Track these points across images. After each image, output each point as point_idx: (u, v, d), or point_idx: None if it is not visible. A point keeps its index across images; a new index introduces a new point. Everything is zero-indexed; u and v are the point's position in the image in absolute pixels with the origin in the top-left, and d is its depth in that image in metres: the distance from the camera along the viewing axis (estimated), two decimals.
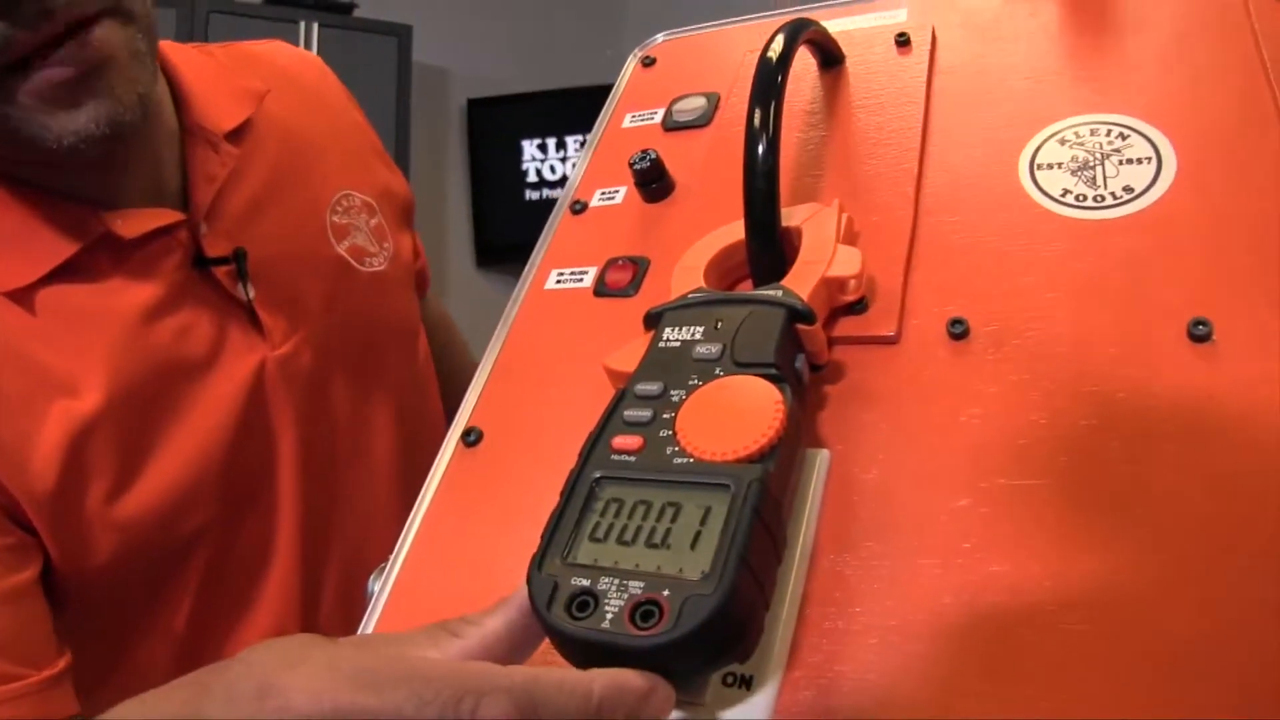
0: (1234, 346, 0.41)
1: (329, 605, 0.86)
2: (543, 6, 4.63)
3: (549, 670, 0.34)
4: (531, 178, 4.09)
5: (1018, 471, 0.40)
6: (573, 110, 4.07)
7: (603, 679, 0.34)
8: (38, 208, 0.71)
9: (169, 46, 0.82)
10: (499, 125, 4.20)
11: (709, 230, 0.53)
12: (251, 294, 0.78)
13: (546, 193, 4.09)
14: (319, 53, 3.69)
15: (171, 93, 0.80)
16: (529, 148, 4.10)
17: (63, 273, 0.70)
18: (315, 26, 3.54)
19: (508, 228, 4.10)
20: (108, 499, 0.71)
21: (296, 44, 3.62)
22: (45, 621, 0.68)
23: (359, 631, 0.49)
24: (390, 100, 3.66)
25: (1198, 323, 0.42)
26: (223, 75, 0.86)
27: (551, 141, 4.07)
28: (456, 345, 1.12)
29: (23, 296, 0.69)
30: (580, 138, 4.01)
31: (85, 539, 0.71)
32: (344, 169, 0.92)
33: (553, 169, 4.08)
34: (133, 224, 0.72)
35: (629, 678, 0.35)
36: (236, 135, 0.82)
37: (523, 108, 4.17)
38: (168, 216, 0.74)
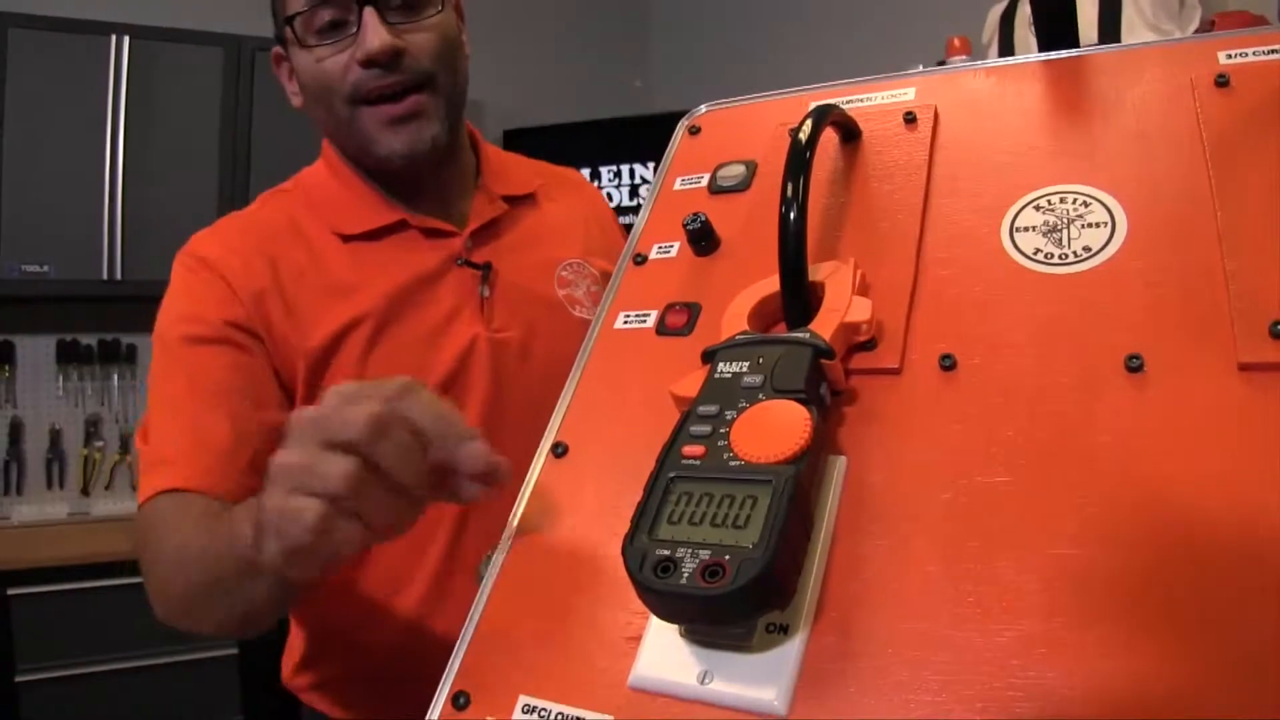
0: (1161, 374, 0.53)
1: (470, 543, 1.13)
2: (573, 41, 4.75)
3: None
4: None
5: (990, 472, 0.52)
6: (604, 140, 4.15)
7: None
8: (371, 193, 1.20)
9: (490, 145, 1.35)
10: (535, 155, 4.31)
11: (751, 282, 0.65)
12: (487, 293, 1.18)
13: None
14: None
15: (478, 164, 1.29)
16: None
17: (373, 235, 1.17)
18: None
19: None
20: (355, 374, 1.09)
21: None
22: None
23: (470, 612, 0.61)
24: None
25: (1132, 357, 0.54)
26: (519, 166, 1.36)
27: (586, 171, 4.16)
28: None
29: (347, 240, 1.17)
30: (614, 167, 4.12)
31: None
32: (584, 246, 1.31)
33: None
34: (425, 221, 1.19)
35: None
36: (513, 200, 1.27)
37: (556, 138, 4.25)
38: (445, 226, 1.20)
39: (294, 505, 0.59)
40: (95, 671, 3.13)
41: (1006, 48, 2.62)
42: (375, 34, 1.08)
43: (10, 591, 3.05)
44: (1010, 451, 0.53)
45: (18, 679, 3.06)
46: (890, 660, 0.48)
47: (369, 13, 1.09)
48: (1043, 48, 0.77)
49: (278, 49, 1.21)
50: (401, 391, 0.61)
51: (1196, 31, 2.26)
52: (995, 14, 2.68)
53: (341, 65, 1.11)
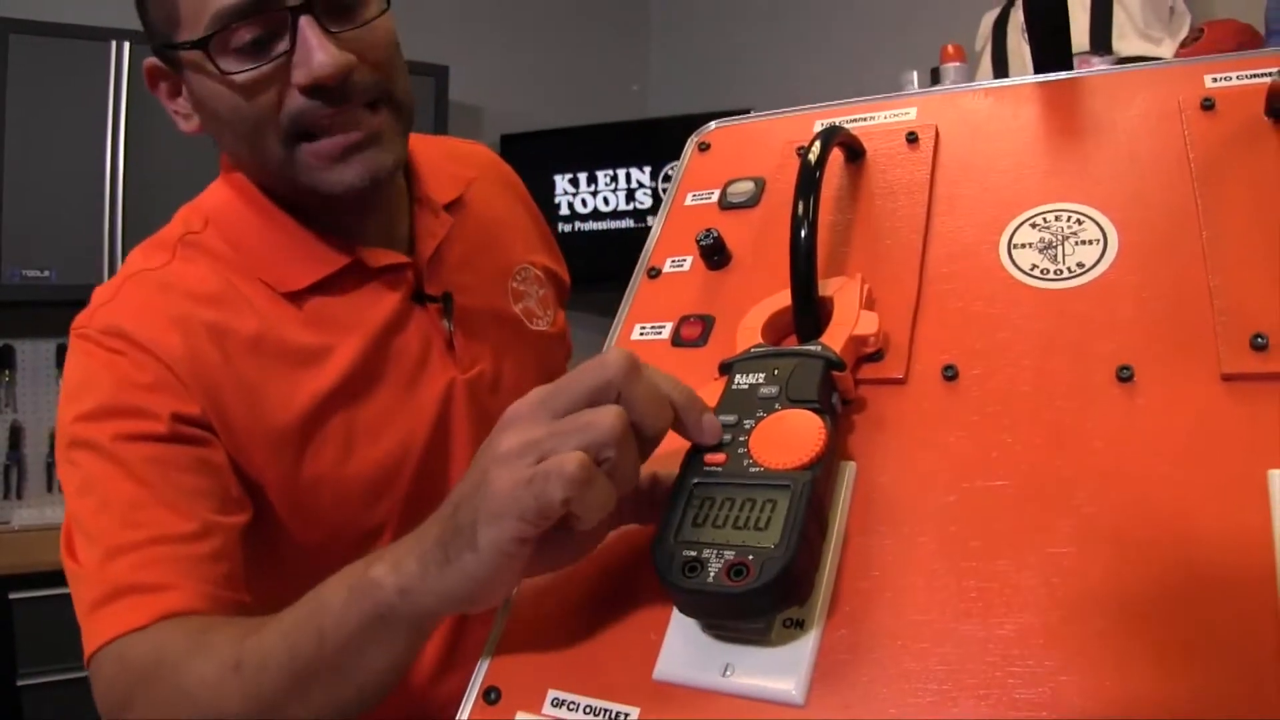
0: (1149, 384, 0.56)
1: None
2: (571, 46, 4.76)
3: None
4: (564, 211, 4.16)
5: (990, 476, 0.56)
6: (603, 145, 4.14)
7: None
8: (309, 235, 0.97)
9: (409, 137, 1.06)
10: (532, 160, 4.24)
11: (762, 295, 0.69)
12: (450, 327, 1.03)
13: (579, 225, 4.16)
14: None
15: (408, 170, 1.07)
16: (561, 182, 4.16)
17: (322, 285, 0.97)
18: None
19: None
20: (335, 464, 0.95)
21: None
22: (241, 565, 0.87)
23: (498, 612, 0.64)
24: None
25: (1123, 368, 0.57)
26: (442, 161, 1.13)
27: (583, 176, 4.16)
28: None
29: (294, 298, 0.96)
30: (611, 171, 4.14)
31: (310, 500, 0.94)
32: (524, 247, 1.19)
33: (584, 202, 4.14)
34: (377, 258, 0.99)
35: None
36: (450, 207, 1.10)
37: (554, 143, 4.24)
38: (400, 258, 1.01)
39: (545, 468, 0.53)
40: None
41: (999, 54, 2.65)
42: (321, 50, 0.85)
43: (12, 595, 3.09)
44: (1009, 457, 0.57)
45: (20, 682, 3.09)
46: (899, 651, 0.51)
47: (307, 23, 0.86)
48: (1039, 69, 0.81)
49: (153, 62, 0.95)
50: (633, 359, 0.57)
51: (1185, 39, 2.30)
52: (988, 21, 2.72)
53: (275, 94, 0.88)
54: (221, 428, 0.89)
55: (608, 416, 0.54)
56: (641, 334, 0.76)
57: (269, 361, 0.92)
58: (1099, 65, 2.08)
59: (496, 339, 1.08)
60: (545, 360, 1.14)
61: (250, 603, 0.85)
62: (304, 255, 0.97)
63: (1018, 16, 2.52)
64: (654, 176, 4.08)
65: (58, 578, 2.89)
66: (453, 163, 1.16)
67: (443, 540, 0.58)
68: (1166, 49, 2.31)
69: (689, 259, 0.80)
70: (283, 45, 0.86)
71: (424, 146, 1.12)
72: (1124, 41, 2.31)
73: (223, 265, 0.96)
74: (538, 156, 4.28)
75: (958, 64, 2.61)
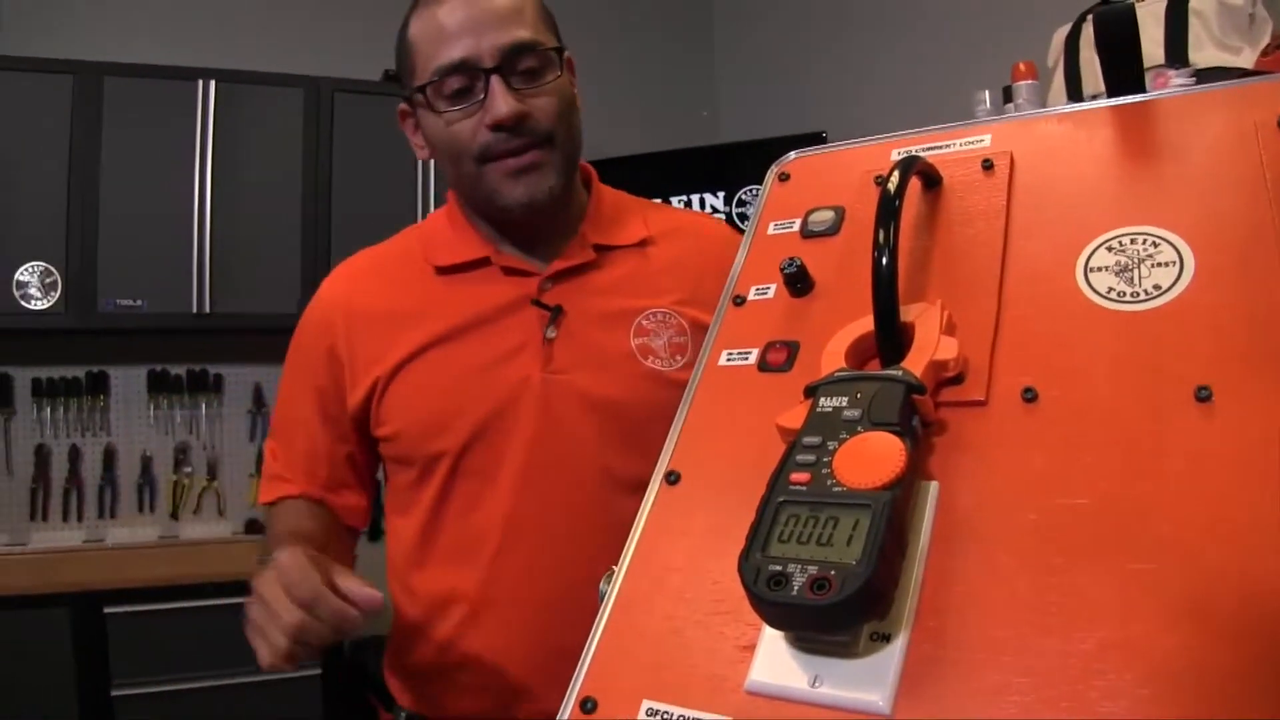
0: (1228, 404, 0.58)
1: (520, 564, 1.24)
2: (639, 73, 4.82)
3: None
4: None
5: (1070, 494, 0.58)
6: (675, 171, 4.19)
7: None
8: (472, 235, 1.33)
9: (611, 190, 1.45)
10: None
11: (845, 322, 0.71)
12: (553, 334, 1.26)
13: None
14: None
15: (587, 209, 1.37)
16: None
17: (459, 269, 1.31)
18: None
19: None
20: (414, 394, 1.27)
21: None
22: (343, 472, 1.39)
23: (594, 625, 0.67)
24: None
25: (1201, 388, 0.58)
26: (625, 217, 1.39)
27: (657, 202, 4.19)
28: None
29: (439, 272, 1.32)
30: (684, 197, 4.15)
31: (392, 418, 1.29)
32: (682, 296, 1.32)
33: None
34: (507, 260, 1.30)
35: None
36: (602, 249, 1.33)
37: (627, 170, 4.29)
38: (527, 265, 1.30)
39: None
40: (185, 688, 3.27)
41: (1072, 69, 2.64)
42: (503, 101, 1.18)
43: (106, 610, 3.20)
44: (1088, 476, 0.58)
45: (113, 692, 3.20)
46: (982, 665, 0.53)
47: (496, 81, 1.19)
48: (1111, 92, 0.82)
49: (404, 105, 1.32)
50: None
51: (1267, 47, 2.26)
52: (1060, 36, 2.70)
53: (470, 129, 1.21)
54: (347, 376, 1.31)
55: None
56: (729, 360, 0.79)
57: (393, 317, 1.30)
58: (1175, 79, 2.07)
59: (597, 360, 1.26)
60: (646, 393, 1.26)
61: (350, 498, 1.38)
62: (455, 246, 1.32)
63: (1090, 31, 2.50)
64: (728, 201, 4.10)
65: (149, 593, 3.02)
66: (649, 220, 1.40)
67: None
68: (1246, 58, 2.27)
69: (773, 287, 0.82)
70: (479, 95, 1.20)
71: (621, 205, 1.42)
72: (1201, 52, 2.28)
73: (410, 243, 1.38)
74: (611, 184, 4.31)
75: (1030, 82, 2.60)
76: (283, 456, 1.37)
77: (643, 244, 1.36)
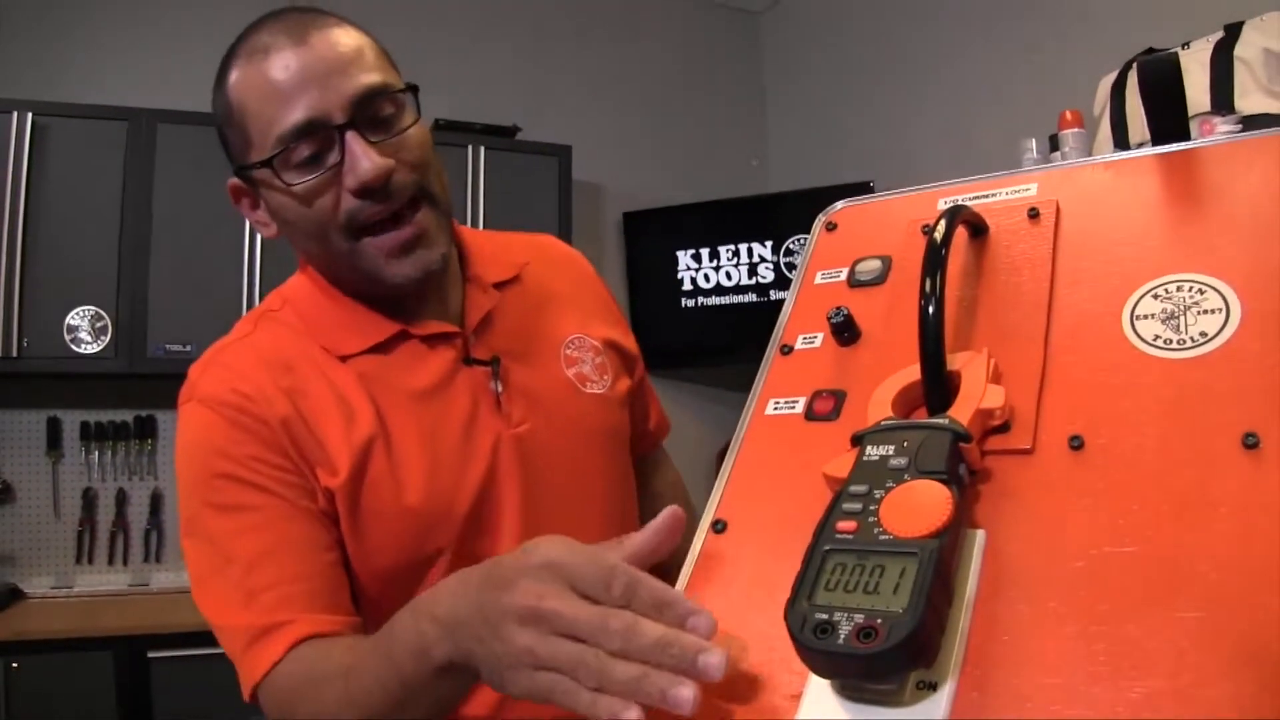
0: (1275, 450, 0.57)
1: None
2: (689, 123, 4.87)
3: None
4: (687, 286, 4.24)
5: (1118, 542, 0.58)
6: (724, 220, 4.23)
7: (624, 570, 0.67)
8: (365, 312, 1.15)
9: (465, 229, 1.29)
10: (653, 236, 4.36)
11: (892, 371, 0.72)
12: (500, 389, 1.16)
13: (702, 300, 4.24)
14: (486, 171, 3.99)
15: (461, 254, 1.25)
16: (683, 258, 4.25)
17: (373, 350, 1.13)
18: (482, 150, 3.87)
19: (666, 334, 4.27)
20: (390, 499, 1.08)
21: (465, 164, 3.92)
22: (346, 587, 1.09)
23: None
24: (553, 214, 3.94)
25: (1249, 435, 0.58)
26: (498, 249, 1.30)
27: (705, 251, 4.22)
28: (686, 506, 1.39)
29: (346, 360, 1.12)
30: (733, 246, 4.19)
31: (372, 531, 1.09)
32: (579, 319, 1.31)
33: (706, 277, 4.22)
34: (425, 328, 1.15)
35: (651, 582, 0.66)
36: (501, 285, 1.25)
37: (675, 219, 4.33)
38: (448, 327, 1.16)
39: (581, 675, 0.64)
40: None
41: (1119, 117, 2.64)
42: (365, 159, 1.03)
43: (150, 654, 3.23)
44: (1136, 523, 0.58)
45: None
46: (1029, 714, 0.53)
47: (352, 137, 1.03)
48: (1156, 140, 0.83)
49: (235, 182, 1.14)
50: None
51: None
52: (1106, 84, 2.71)
53: (332, 200, 1.05)
54: (306, 471, 1.07)
55: (652, 632, 0.63)
56: (776, 409, 0.80)
57: (327, 415, 1.09)
58: (1221, 125, 2.06)
59: (547, 399, 1.20)
60: (601, 419, 1.25)
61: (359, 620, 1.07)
62: (358, 327, 1.15)
63: (1136, 79, 2.51)
64: (775, 250, 4.12)
65: (194, 638, 3.03)
66: (512, 248, 1.33)
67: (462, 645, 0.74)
68: None
69: (820, 335, 0.83)
70: (334, 157, 1.04)
71: (482, 239, 1.32)
72: (1246, 99, 2.28)
73: (293, 334, 1.15)
74: (659, 232, 4.36)
75: (1076, 130, 2.60)
76: (256, 601, 1.02)
77: (519, 276, 1.29)
